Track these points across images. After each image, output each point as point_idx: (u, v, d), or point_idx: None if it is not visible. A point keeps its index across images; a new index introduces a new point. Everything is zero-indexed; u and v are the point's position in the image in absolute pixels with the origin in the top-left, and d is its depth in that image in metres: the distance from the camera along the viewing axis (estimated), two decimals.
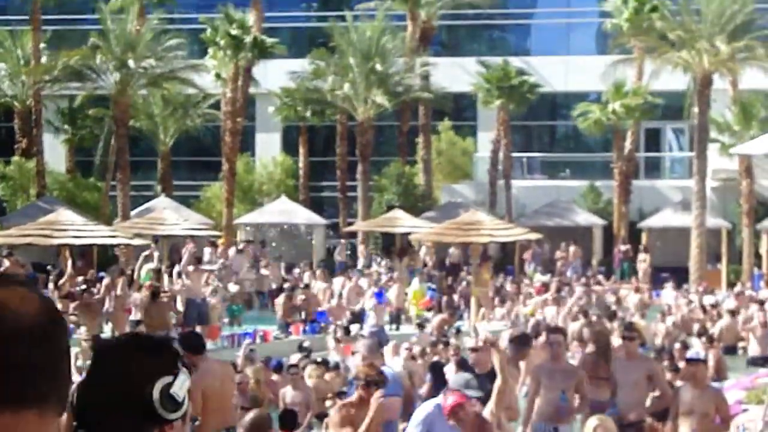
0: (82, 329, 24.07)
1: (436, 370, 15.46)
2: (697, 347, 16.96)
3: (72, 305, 23.89)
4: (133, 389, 2.97)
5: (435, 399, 10.73)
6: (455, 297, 32.32)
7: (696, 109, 37.25)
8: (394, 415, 11.21)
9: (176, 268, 29.65)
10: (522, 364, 14.41)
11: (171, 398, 2.97)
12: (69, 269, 26.52)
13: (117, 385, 2.98)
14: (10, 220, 36.01)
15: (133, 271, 30.08)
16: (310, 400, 15.80)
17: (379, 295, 26.59)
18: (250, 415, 9.35)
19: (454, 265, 37.42)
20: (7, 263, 28.35)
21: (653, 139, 47.71)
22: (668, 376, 15.34)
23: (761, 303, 27.83)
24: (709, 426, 11.84)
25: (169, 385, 2.97)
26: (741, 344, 25.42)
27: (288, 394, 16.80)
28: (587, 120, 43.44)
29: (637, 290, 32.18)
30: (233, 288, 31.27)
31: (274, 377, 18.30)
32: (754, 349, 24.29)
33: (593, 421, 8.01)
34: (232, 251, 36.28)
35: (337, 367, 18.79)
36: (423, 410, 10.36)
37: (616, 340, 15.89)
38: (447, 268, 36.74)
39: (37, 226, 25.86)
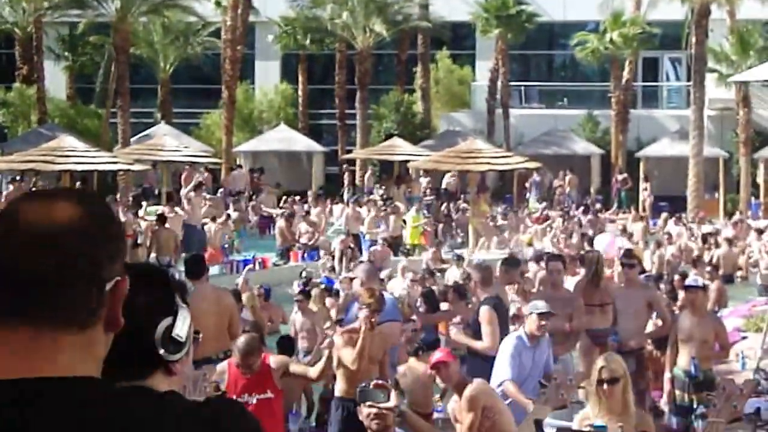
0: None
1: (429, 297, 15.42)
2: (695, 276, 16.83)
3: None
4: (133, 336, 2.73)
5: (517, 331, 10.71)
6: (453, 225, 32.28)
7: (694, 39, 36.93)
8: (395, 340, 11.15)
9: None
10: (509, 289, 14.29)
11: (173, 340, 2.89)
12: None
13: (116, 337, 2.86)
14: (11, 146, 35.88)
15: (134, 197, 30.05)
16: (319, 326, 15.73)
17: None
18: (241, 339, 9.34)
19: (450, 193, 37.31)
20: (11, 188, 28.33)
21: (651, 69, 47.42)
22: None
23: (760, 232, 27.75)
24: (708, 353, 11.77)
25: (171, 327, 2.88)
26: (739, 273, 25.33)
27: (297, 320, 16.84)
28: (585, 49, 43.24)
29: (642, 219, 32.08)
30: (234, 215, 31.15)
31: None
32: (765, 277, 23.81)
33: (600, 362, 7.94)
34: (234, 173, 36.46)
35: (337, 293, 18.71)
36: (510, 342, 10.35)
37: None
38: (443, 196, 36.61)
39: (39, 152, 25.73)
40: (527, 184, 40.06)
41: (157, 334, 2.88)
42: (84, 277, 2.05)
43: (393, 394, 6.03)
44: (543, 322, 10.48)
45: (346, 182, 40.70)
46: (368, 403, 6.40)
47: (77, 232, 2.05)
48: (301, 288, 18.31)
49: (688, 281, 13.41)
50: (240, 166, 40.23)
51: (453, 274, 19.89)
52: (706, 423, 3.60)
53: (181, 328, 2.91)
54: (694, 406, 11.70)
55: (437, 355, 9.69)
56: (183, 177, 35.30)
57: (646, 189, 39.15)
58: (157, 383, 2.88)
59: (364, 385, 6.81)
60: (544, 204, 36.27)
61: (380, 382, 6.29)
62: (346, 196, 36.36)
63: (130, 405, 2.06)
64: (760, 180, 39.85)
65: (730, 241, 26.09)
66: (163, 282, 3.01)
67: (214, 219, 27.82)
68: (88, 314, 2.06)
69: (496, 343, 10.77)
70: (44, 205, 2.07)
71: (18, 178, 28.58)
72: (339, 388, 10.06)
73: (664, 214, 32.56)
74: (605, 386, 5.80)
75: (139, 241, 24.89)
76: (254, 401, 8.92)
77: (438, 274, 20.59)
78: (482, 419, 8.68)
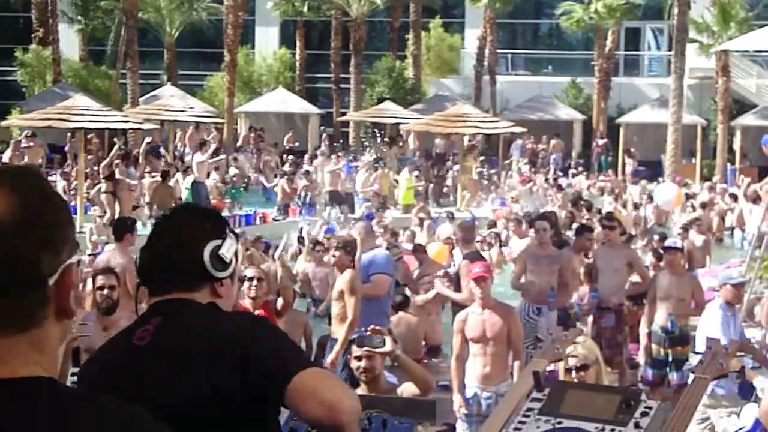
0: (96, 209, 24.20)
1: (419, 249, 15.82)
2: (673, 237, 17.01)
3: (105, 184, 23.87)
4: (188, 251, 3.20)
5: (715, 302, 10.83)
6: (446, 186, 32.48)
7: (676, 10, 36.91)
8: (383, 292, 11.35)
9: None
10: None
11: (219, 259, 3.20)
12: (114, 151, 26.51)
13: (173, 249, 3.22)
14: (29, 104, 36.10)
15: (138, 153, 30.13)
16: (332, 276, 15.94)
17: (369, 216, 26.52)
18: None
19: (439, 155, 37.40)
20: (30, 143, 28.42)
21: (633, 38, 47.44)
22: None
23: (734, 197, 27.92)
24: (684, 310, 11.98)
25: (218, 247, 3.20)
26: (715, 236, 25.48)
27: (309, 269, 17.12)
28: (570, 19, 43.20)
29: (635, 183, 32.32)
30: (233, 171, 31.27)
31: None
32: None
33: (569, 348, 8.13)
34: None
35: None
36: (716, 313, 10.50)
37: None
38: (433, 159, 36.71)
39: (55, 110, 25.82)
40: (511, 148, 40.18)
41: (206, 251, 3.18)
42: (19, 281, 1.84)
43: (389, 339, 6.09)
44: (738, 291, 10.66)
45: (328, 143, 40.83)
46: (365, 348, 6.39)
47: (9, 232, 1.84)
48: (317, 240, 18.40)
49: (667, 242, 13.61)
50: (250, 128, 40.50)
51: (445, 230, 20.07)
52: (691, 377, 3.77)
53: (228, 250, 3.22)
54: (669, 359, 11.93)
55: (476, 269, 9.84)
56: (187, 136, 35.50)
57: (629, 164, 38.86)
58: (203, 299, 3.18)
59: (361, 330, 6.75)
60: (528, 166, 36.42)
61: (377, 327, 6.33)
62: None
63: (70, 408, 1.87)
64: (736, 147, 39.98)
65: (704, 205, 26.28)
66: (216, 214, 3.41)
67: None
68: (27, 316, 1.87)
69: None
70: None
71: (30, 134, 28.64)
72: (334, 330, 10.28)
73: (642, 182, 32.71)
74: (574, 374, 5.77)
75: (139, 203, 25.02)
76: None
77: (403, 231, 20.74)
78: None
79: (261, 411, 3.04)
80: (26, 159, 27.28)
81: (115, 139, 31.87)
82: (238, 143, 38.87)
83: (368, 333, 6.14)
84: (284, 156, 36.01)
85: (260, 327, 3.11)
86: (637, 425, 3.46)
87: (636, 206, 26.36)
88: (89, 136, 32.93)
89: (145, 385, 3.00)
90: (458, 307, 11.78)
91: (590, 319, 13.12)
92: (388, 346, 6.04)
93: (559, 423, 3.57)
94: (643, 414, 3.49)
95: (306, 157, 35.55)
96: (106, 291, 9.02)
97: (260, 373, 2.94)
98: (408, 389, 6.37)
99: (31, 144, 28.44)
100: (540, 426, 3.58)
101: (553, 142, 40.63)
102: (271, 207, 28.48)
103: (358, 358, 6.64)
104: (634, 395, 3.58)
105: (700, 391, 3.61)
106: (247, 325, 3.11)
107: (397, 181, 30.06)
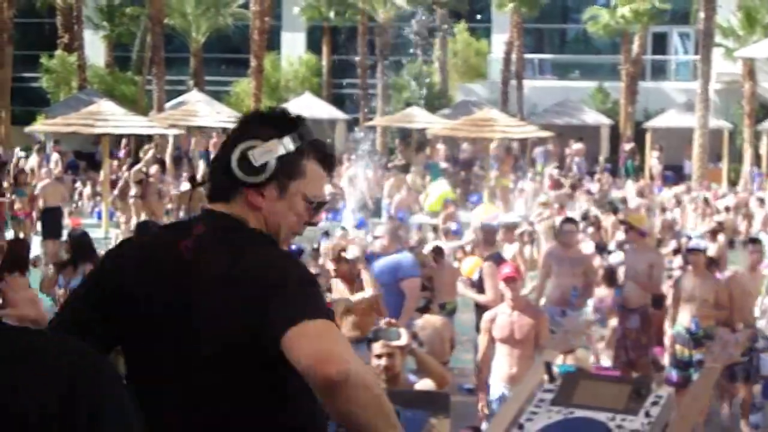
0: (119, 215, 24.29)
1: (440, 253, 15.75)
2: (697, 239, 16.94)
3: (135, 189, 23.90)
4: (225, 150, 2.95)
5: None
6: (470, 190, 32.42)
7: (702, 14, 36.82)
8: (418, 296, 11.41)
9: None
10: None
11: (245, 160, 2.88)
12: (148, 156, 26.55)
13: (223, 148, 2.97)
14: (54, 110, 36.14)
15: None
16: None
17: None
18: None
19: (466, 160, 37.38)
20: (55, 154, 28.59)
21: (660, 43, 47.30)
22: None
23: (762, 201, 27.80)
24: (708, 311, 11.96)
25: (250, 147, 2.87)
26: (739, 238, 25.39)
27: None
28: (597, 24, 43.15)
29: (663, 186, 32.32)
30: None
31: None
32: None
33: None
34: None
35: None
36: None
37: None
38: (460, 164, 36.70)
39: (80, 116, 25.96)
40: (534, 153, 40.12)
41: (235, 152, 2.90)
42: None
43: (404, 332, 6.06)
44: None
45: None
46: (381, 342, 6.37)
47: None
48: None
49: (690, 244, 13.59)
50: None
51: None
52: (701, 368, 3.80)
53: (263, 154, 2.88)
54: (693, 360, 11.91)
55: (506, 270, 9.85)
56: (212, 143, 35.57)
57: (658, 158, 38.99)
58: (239, 211, 2.92)
59: (377, 326, 6.77)
60: (557, 170, 36.32)
61: (392, 320, 6.31)
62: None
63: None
64: (762, 151, 39.82)
65: (727, 209, 26.24)
66: (289, 119, 3.04)
67: None
68: None
69: (498, 297, 10.97)
70: None
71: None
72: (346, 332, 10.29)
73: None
74: None
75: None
76: None
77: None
78: None
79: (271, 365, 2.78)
80: (51, 165, 27.47)
81: (146, 146, 31.94)
82: None
83: (384, 327, 6.16)
84: None
85: (287, 269, 2.83)
86: (647, 414, 3.49)
87: (663, 210, 26.28)
88: (123, 143, 33.21)
89: (192, 310, 2.80)
90: (481, 309, 11.81)
91: (615, 320, 13.13)
92: (404, 340, 6.05)
93: (571, 413, 3.60)
94: (654, 403, 3.52)
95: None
96: None
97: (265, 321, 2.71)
98: (425, 385, 6.39)
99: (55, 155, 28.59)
100: (552, 416, 3.60)
101: (575, 146, 40.54)
102: None
103: (378, 357, 6.64)
104: (644, 385, 3.61)
105: (710, 380, 3.64)
106: (274, 267, 2.81)
107: (424, 186, 30.05)
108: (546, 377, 3.79)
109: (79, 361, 1.84)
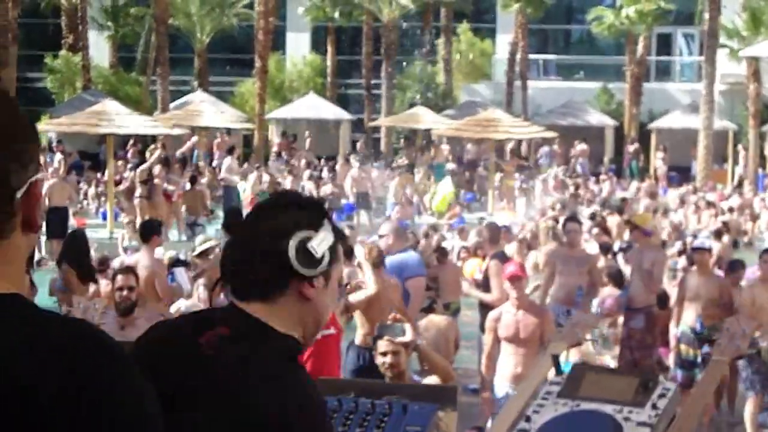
0: (124, 215, 24.32)
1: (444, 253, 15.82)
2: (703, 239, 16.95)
3: (140, 188, 23.89)
4: (272, 242, 2.72)
5: None
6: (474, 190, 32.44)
7: (707, 15, 36.81)
8: (423, 295, 11.42)
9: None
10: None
11: (307, 252, 2.70)
12: (156, 156, 26.51)
13: (256, 239, 2.75)
14: (59, 111, 36.19)
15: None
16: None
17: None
18: None
19: (470, 161, 37.41)
20: (59, 154, 28.65)
21: (664, 44, 47.31)
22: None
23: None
24: (713, 311, 11.95)
25: (307, 239, 2.71)
26: (745, 238, 25.42)
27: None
28: (601, 24, 43.16)
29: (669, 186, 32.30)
30: (265, 177, 31.39)
31: None
32: None
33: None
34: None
35: None
36: None
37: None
38: (465, 164, 36.72)
39: (85, 115, 25.98)
40: (538, 154, 40.14)
41: (291, 243, 2.71)
42: None
43: (409, 328, 6.01)
44: None
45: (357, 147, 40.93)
46: (386, 338, 6.33)
47: None
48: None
49: (696, 243, 13.61)
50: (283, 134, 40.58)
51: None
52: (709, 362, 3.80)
53: (320, 243, 2.73)
54: (699, 360, 11.92)
55: (511, 268, 9.85)
56: (215, 144, 35.60)
57: (663, 159, 39.00)
58: (287, 305, 2.74)
59: (382, 322, 6.73)
60: (562, 170, 36.32)
61: (398, 316, 6.26)
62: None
63: (38, 325, 1.86)
64: (767, 152, 39.81)
65: (731, 209, 26.26)
66: (314, 203, 2.88)
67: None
68: None
69: (504, 295, 10.97)
70: None
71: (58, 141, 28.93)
72: (358, 334, 10.22)
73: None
74: None
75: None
76: (318, 336, 9.08)
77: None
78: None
79: None
80: (55, 165, 27.51)
81: (153, 146, 31.92)
82: (273, 149, 38.98)
83: (389, 323, 6.15)
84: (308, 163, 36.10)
85: (305, 417, 2.58)
86: (654, 406, 3.50)
87: (665, 212, 26.29)
88: (129, 143, 33.24)
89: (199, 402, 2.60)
90: (486, 308, 11.82)
91: (620, 320, 13.14)
92: (409, 336, 6.04)
93: (578, 405, 3.60)
94: (661, 396, 3.52)
95: (339, 163, 35.70)
96: (125, 292, 8.99)
97: None
98: (430, 382, 6.40)
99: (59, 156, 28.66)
100: (558, 409, 3.60)
101: (579, 147, 40.49)
102: None
103: (383, 354, 6.61)
104: (652, 377, 3.61)
105: (717, 373, 3.64)
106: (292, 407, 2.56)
107: (429, 187, 30.11)
108: (553, 370, 3.79)
109: (87, 342, 1.85)
